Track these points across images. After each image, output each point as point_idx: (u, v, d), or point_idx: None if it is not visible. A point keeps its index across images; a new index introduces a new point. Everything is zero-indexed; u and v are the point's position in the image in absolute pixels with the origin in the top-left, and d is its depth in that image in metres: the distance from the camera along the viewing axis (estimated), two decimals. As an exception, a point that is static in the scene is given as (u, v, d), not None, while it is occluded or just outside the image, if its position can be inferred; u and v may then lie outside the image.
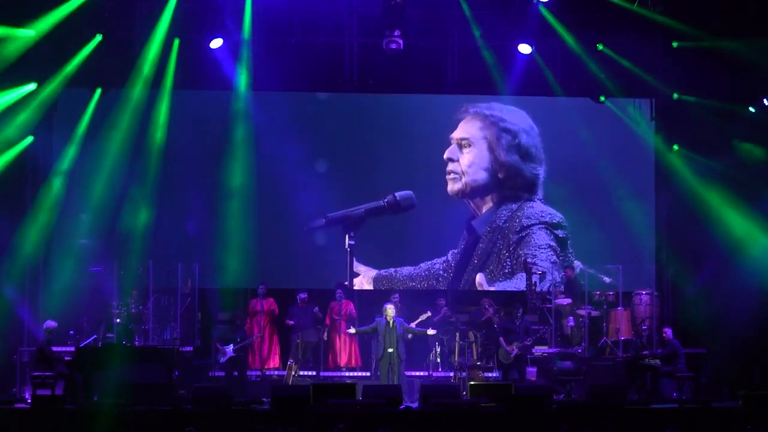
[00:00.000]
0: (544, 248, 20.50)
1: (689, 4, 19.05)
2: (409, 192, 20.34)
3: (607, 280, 19.96)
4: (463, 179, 20.50)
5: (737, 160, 19.72)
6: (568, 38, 19.53)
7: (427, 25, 20.08)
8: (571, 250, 20.55)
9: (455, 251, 20.66)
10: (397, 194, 20.28)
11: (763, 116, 19.66)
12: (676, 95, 20.20)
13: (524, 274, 19.84)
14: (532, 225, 20.49)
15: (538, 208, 20.62)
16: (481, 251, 20.54)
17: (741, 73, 19.12)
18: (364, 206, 20.29)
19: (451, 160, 20.54)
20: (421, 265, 20.62)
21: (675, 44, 19.51)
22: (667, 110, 20.63)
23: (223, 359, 18.67)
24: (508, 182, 20.65)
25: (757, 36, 18.57)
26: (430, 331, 18.31)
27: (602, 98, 20.63)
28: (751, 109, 19.80)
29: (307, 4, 19.65)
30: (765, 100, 19.61)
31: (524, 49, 19.93)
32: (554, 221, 20.51)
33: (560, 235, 20.54)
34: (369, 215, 20.25)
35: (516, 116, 20.73)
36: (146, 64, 19.58)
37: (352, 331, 18.68)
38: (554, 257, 20.52)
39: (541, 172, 20.69)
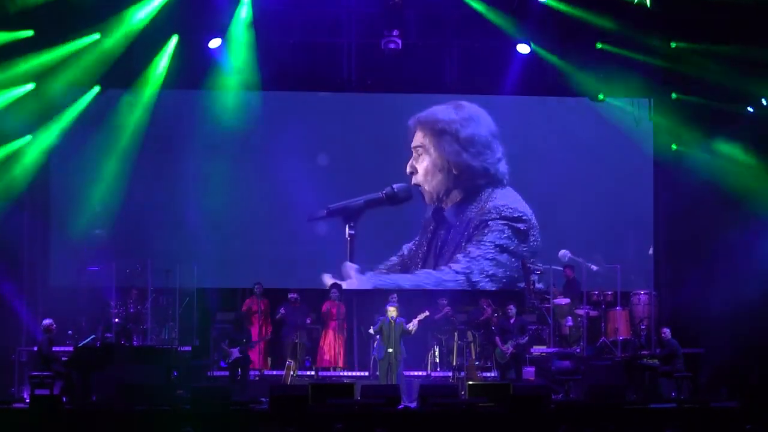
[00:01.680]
0: (498, 242, 20.51)
1: (688, 3, 19.05)
2: (406, 184, 20.47)
3: (594, 268, 20.10)
4: (426, 188, 20.61)
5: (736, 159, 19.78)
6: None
7: (426, 25, 20.08)
8: (533, 241, 20.53)
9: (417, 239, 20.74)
10: (394, 186, 20.45)
11: (761, 116, 19.68)
12: (674, 95, 20.20)
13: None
14: (491, 219, 20.53)
15: (500, 201, 20.63)
16: (441, 241, 20.64)
17: (740, 73, 19.11)
18: (363, 197, 20.46)
19: (412, 173, 20.64)
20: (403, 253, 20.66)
21: (673, 45, 19.49)
22: (665, 110, 20.61)
23: (229, 360, 18.65)
24: (464, 177, 20.69)
25: (755, 36, 18.60)
26: (411, 326, 18.18)
27: (601, 96, 20.61)
28: (750, 109, 19.80)
29: (306, 4, 19.66)
30: (764, 100, 19.61)
31: (523, 48, 19.93)
32: (514, 215, 20.56)
33: (521, 228, 20.55)
34: (368, 206, 20.45)
35: (449, 113, 20.72)
36: (145, 62, 19.61)
37: (372, 331, 18.44)
38: (507, 252, 20.50)
39: (495, 160, 20.65)
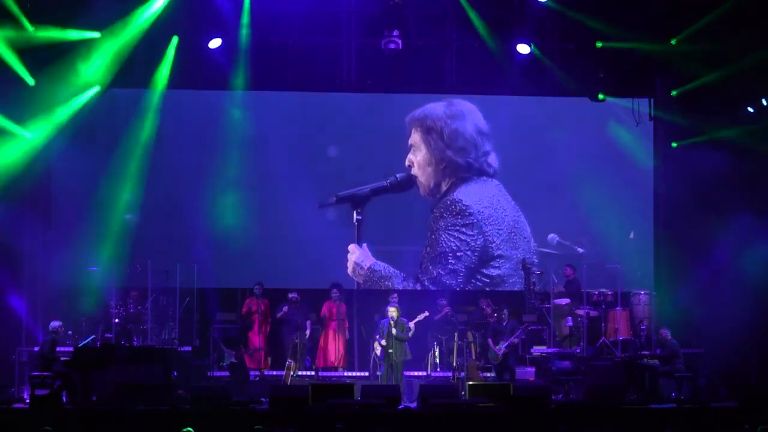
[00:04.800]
0: (447, 249, 20.60)
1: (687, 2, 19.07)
2: (409, 172, 20.74)
3: (580, 250, 20.31)
4: (422, 180, 20.74)
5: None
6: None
7: (426, 25, 20.09)
8: (489, 232, 20.52)
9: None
10: (398, 175, 20.73)
11: (760, 115, 19.68)
12: (674, 92, 20.20)
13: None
14: (440, 218, 20.62)
15: (451, 195, 20.64)
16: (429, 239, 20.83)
17: (739, 73, 19.11)
18: (369, 186, 20.63)
19: (410, 166, 20.77)
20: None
21: (673, 42, 19.48)
22: (666, 108, 20.61)
23: (224, 363, 18.70)
24: (449, 171, 20.80)
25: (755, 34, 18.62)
26: (410, 330, 18.31)
27: (601, 96, 20.61)
28: (750, 109, 19.80)
29: (306, 4, 19.66)
30: (764, 100, 19.61)
31: (523, 48, 19.93)
32: (456, 208, 20.59)
33: (468, 222, 20.55)
34: (374, 194, 20.69)
35: (439, 110, 20.82)
36: (144, 62, 19.63)
37: (384, 343, 18.40)
38: (460, 251, 20.58)
39: (481, 155, 20.71)
